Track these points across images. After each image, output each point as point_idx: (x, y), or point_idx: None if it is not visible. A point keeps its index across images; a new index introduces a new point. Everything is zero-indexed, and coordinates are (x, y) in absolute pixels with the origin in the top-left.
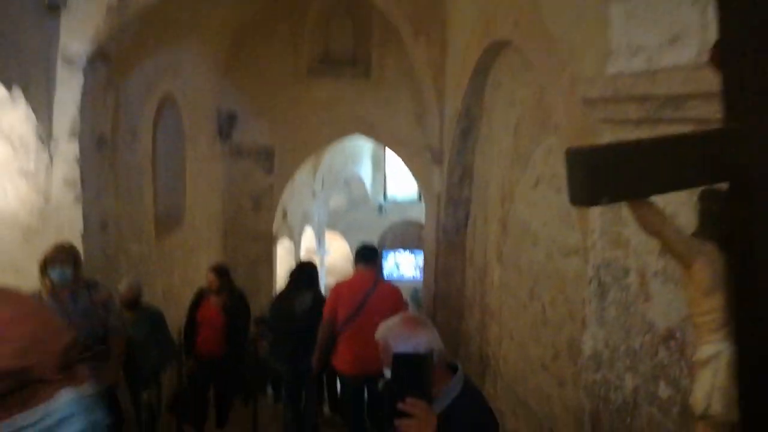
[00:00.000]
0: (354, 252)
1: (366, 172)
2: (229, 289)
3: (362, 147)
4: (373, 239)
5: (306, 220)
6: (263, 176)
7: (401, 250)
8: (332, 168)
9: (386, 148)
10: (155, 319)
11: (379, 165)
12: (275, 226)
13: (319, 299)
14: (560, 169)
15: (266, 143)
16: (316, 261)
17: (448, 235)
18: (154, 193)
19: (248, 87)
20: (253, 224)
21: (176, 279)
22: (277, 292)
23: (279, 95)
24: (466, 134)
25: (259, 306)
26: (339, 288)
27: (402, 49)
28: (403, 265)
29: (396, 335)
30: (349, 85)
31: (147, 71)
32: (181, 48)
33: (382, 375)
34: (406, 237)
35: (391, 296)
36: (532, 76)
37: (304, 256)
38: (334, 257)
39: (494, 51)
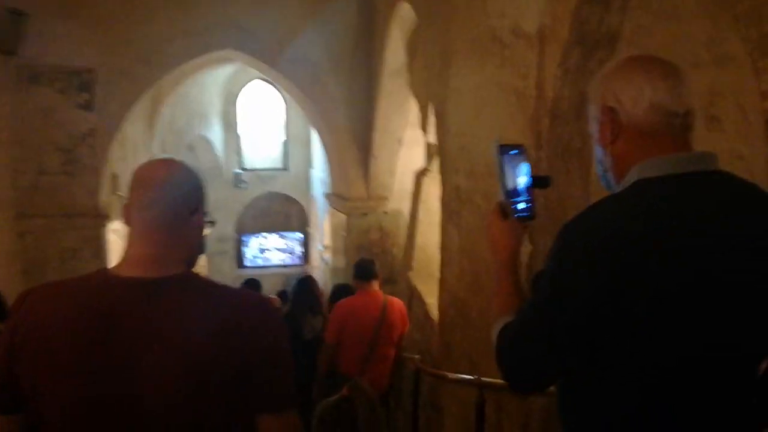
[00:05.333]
0: (353, 269)
1: (216, 134)
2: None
3: (210, 101)
4: (230, 220)
5: None
6: (79, 116)
7: (265, 234)
8: (173, 126)
9: (237, 105)
10: None
11: (230, 126)
12: (102, 197)
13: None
14: None
15: (81, 62)
16: None
17: (558, 122)
18: None
19: None
20: (68, 195)
21: None
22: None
23: None
24: None
25: None
26: (342, 310)
27: None
28: (270, 251)
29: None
30: None
31: None
32: None
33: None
34: (271, 216)
35: (400, 314)
36: None
37: None
38: None
39: None
